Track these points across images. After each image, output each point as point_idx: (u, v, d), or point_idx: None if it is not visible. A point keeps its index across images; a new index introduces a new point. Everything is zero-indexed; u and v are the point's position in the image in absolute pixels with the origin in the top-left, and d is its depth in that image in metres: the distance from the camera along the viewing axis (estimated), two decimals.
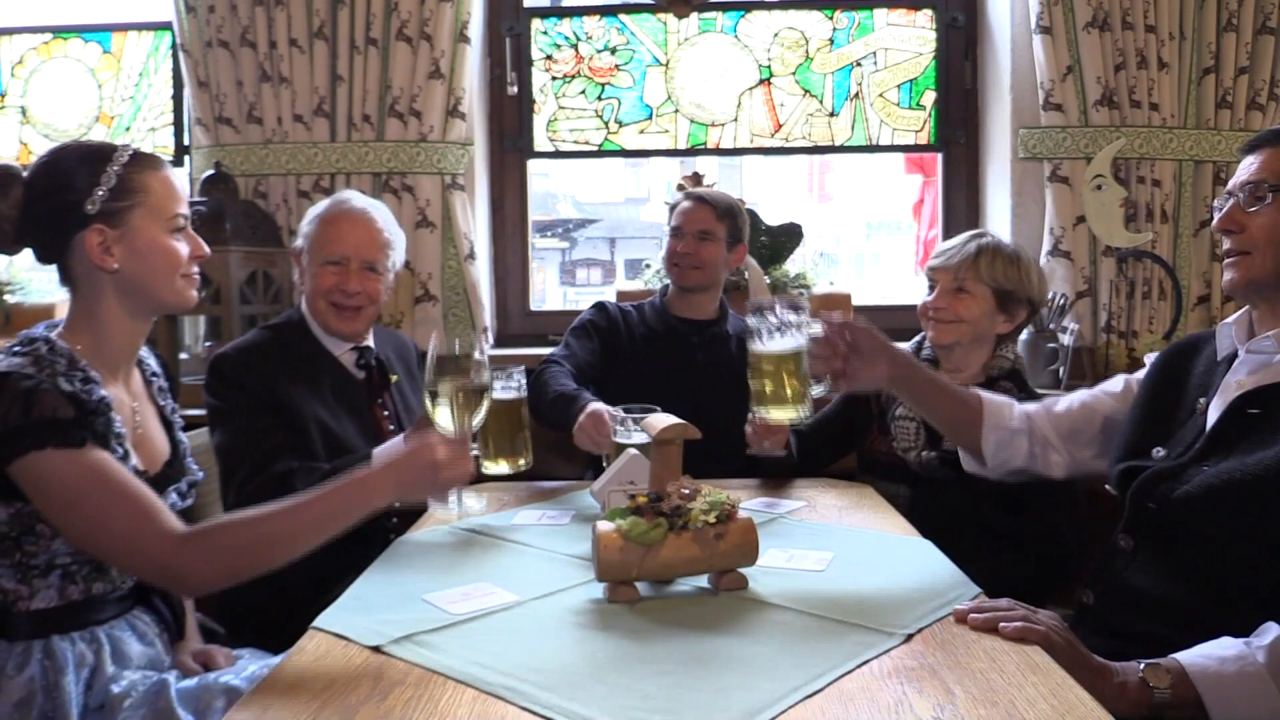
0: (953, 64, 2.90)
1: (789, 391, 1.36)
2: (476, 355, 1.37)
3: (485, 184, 2.94)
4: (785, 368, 1.36)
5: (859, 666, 0.99)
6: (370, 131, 2.66)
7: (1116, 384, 1.57)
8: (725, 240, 2.22)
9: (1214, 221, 1.36)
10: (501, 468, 1.63)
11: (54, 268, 1.35)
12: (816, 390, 1.40)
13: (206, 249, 1.38)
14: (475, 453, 1.48)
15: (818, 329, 1.39)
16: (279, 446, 1.69)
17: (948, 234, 2.94)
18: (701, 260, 2.18)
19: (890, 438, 1.90)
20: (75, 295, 1.32)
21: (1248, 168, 1.32)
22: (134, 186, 1.29)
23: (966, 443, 1.60)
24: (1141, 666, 1.12)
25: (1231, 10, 2.56)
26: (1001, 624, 1.08)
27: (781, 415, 1.37)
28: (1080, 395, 1.58)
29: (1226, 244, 1.33)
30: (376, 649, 1.05)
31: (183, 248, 1.34)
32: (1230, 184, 1.34)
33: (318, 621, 1.13)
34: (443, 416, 1.36)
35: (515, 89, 2.93)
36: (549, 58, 2.95)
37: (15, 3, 3.10)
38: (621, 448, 1.57)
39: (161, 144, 2.99)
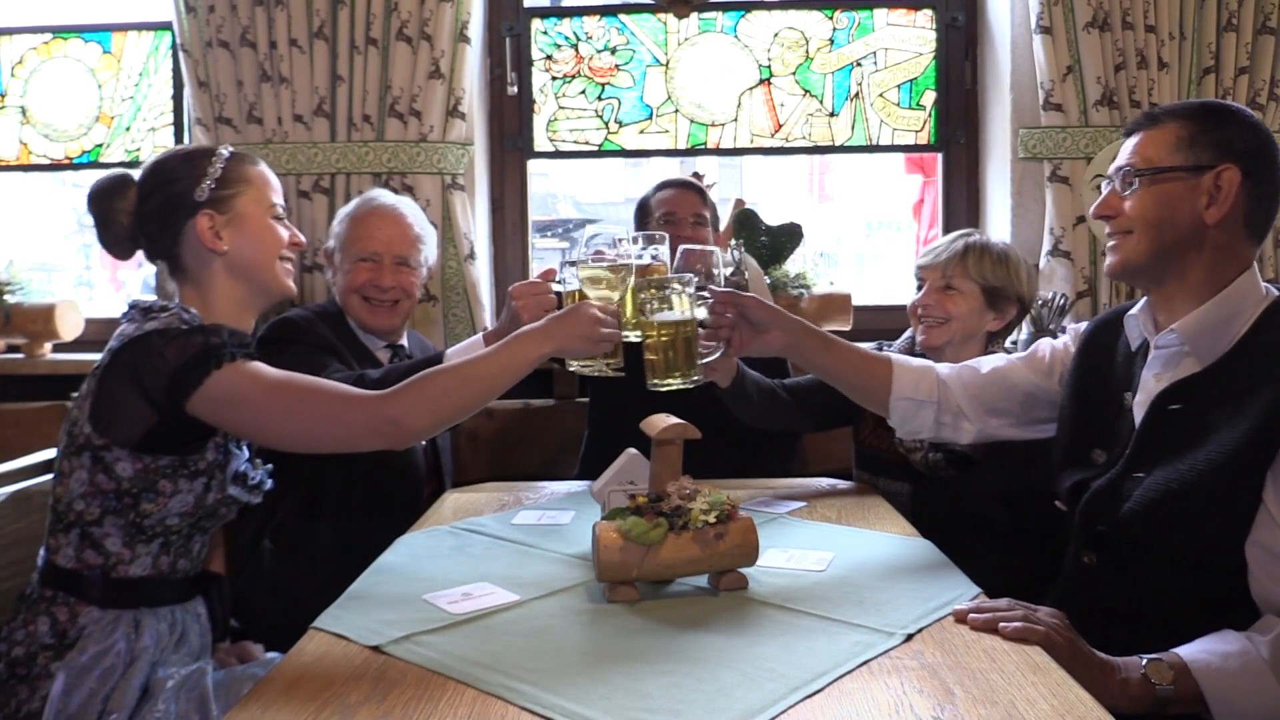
0: (953, 64, 2.89)
1: (679, 360, 1.41)
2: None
3: (485, 184, 2.93)
4: (675, 337, 1.41)
5: (859, 666, 0.99)
6: (370, 131, 2.66)
7: (1039, 353, 1.56)
8: (711, 225, 2.21)
9: (1092, 207, 1.37)
10: (583, 366, 1.51)
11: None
12: (709, 359, 1.48)
13: (303, 238, 1.51)
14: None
15: (706, 300, 1.46)
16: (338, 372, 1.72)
17: (947, 234, 2.94)
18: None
19: (892, 434, 1.90)
20: (185, 286, 1.43)
21: (1124, 152, 1.33)
22: (237, 176, 1.43)
23: (874, 408, 1.62)
24: (1144, 662, 1.12)
25: (1231, 10, 2.56)
26: (1001, 624, 1.08)
27: (671, 382, 1.42)
28: (997, 363, 1.58)
29: (1106, 229, 1.34)
30: (376, 649, 1.05)
31: (283, 233, 1.47)
32: (1110, 168, 1.35)
33: (318, 621, 1.14)
34: (595, 294, 1.45)
35: (515, 89, 2.92)
36: (549, 58, 2.95)
37: (15, 3, 3.10)
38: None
39: (161, 144, 2.98)
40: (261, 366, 1.30)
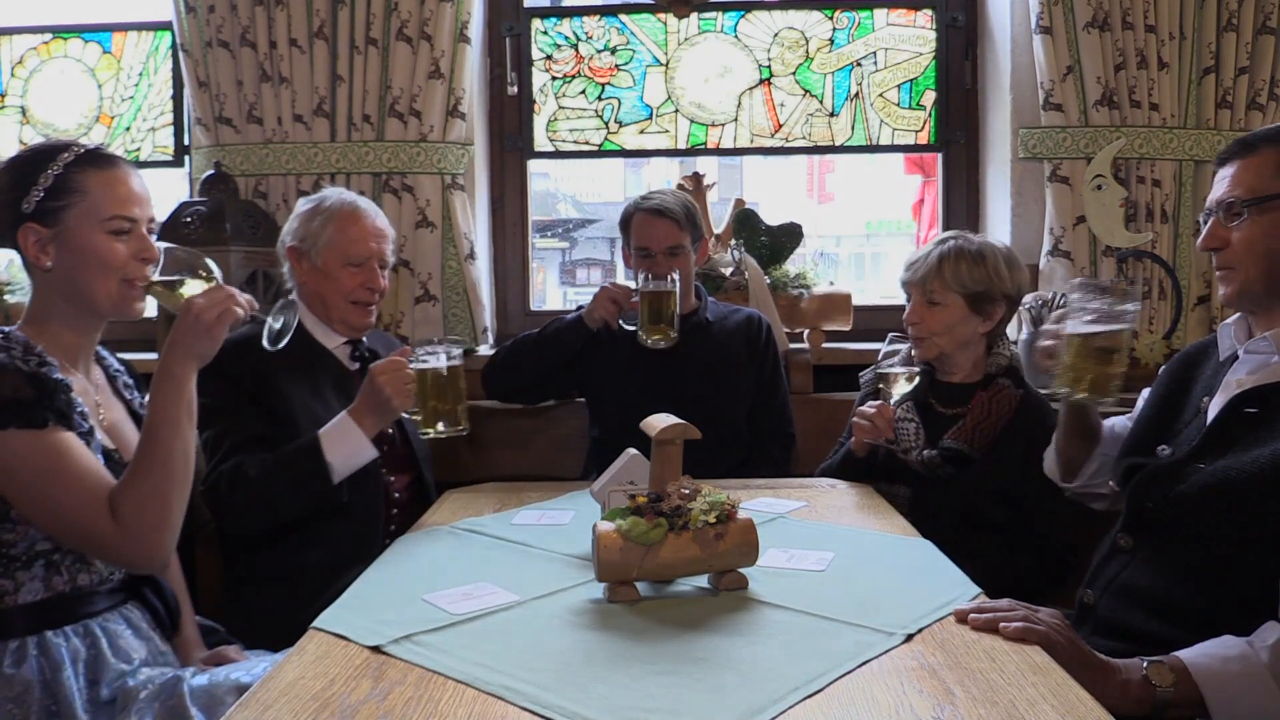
0: (953, 64, 2.89)
1: (1116, 371, 1.37)
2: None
3: (485, 184, 2.93)
4: (1117, 348, 1.38)
5: (859, 666, 0.99)
6: (370, 131, 2.66)
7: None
8: (692, 245, 2.20)
9: (1199, 240, 1.38)
10: (438, 431, 1.68)
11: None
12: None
13: (155, 253, 1.34)
14: (417, 416, 1.71)
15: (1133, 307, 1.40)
16: (252, 439, 1.70)
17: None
18: (680, 274, 2.15)
19: (890, 440, 1.90)
20: (33, 290, 1.35)
21: (1222, 182, 1.33)
22: (71, 186, 1.29)
23: (1071, 455, 1.63)
24: (1145, 664, 1.13)
25: (1231, 10, 2.56)
26: (1002, 624, 1.08)
27: (1107, 397, 1.38)
28: (1125, 420, 1.61)
29: (1214, 260, 1.36)
30: (376, 649, 1.05)
31: (122, 250, 1.32)
32: (1209, 199, 1.36)
33: (318, 621, 1.14)
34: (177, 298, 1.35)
35: (515, 89, 2.92)
36: (549, 58, 2.95)
37: (15, 3, 3.10)
38: (646, 294, 1.99)
39: (161, 144, 2.99)
40: (36, 443, 1.20)
